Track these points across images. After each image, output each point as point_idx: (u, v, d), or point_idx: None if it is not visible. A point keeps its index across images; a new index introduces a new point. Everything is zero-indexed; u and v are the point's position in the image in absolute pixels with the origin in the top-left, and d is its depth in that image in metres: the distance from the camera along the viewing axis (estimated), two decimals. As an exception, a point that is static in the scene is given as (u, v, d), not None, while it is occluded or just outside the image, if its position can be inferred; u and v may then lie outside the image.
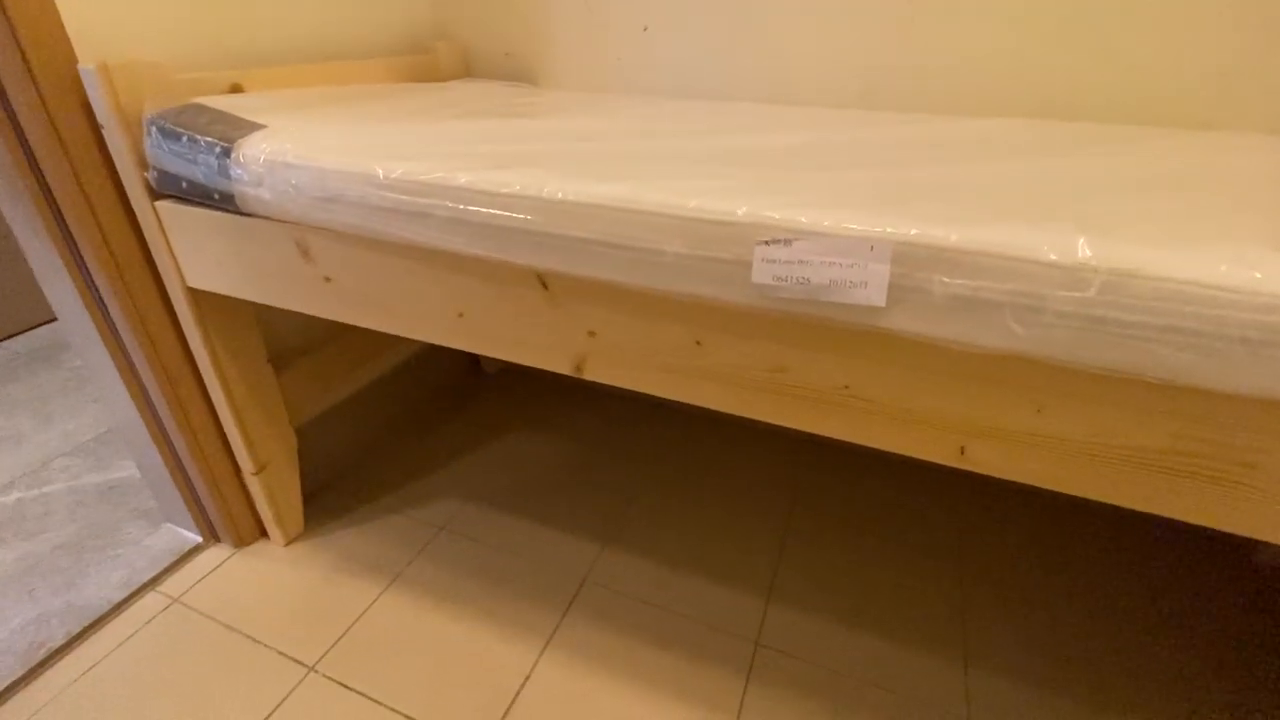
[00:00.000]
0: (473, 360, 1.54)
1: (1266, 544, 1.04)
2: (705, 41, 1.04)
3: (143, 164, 0.73)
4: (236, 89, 0.83)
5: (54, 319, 1.76)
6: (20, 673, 0.83)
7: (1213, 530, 1.09)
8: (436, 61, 1.16)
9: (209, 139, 0.67)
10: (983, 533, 1.09)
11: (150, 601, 0.94)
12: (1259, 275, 0.38)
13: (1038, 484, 0.50)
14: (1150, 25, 0.81)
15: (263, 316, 0.95)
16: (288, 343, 1.05)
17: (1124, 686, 0.85)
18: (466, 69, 1.23)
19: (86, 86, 0.70)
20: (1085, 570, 1.02)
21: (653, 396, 1.44)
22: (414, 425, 1.34)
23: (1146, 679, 0.86)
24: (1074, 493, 0.49)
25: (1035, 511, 1.14)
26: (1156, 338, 0.41)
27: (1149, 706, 0.82)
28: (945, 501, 1.16)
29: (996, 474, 0.51)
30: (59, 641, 0.88)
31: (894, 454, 1.27)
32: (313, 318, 1.08)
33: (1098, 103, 0.86)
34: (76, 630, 0.89)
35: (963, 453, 0.51)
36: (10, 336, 1.69)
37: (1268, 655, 0.89)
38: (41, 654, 0.86)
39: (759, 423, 1.36)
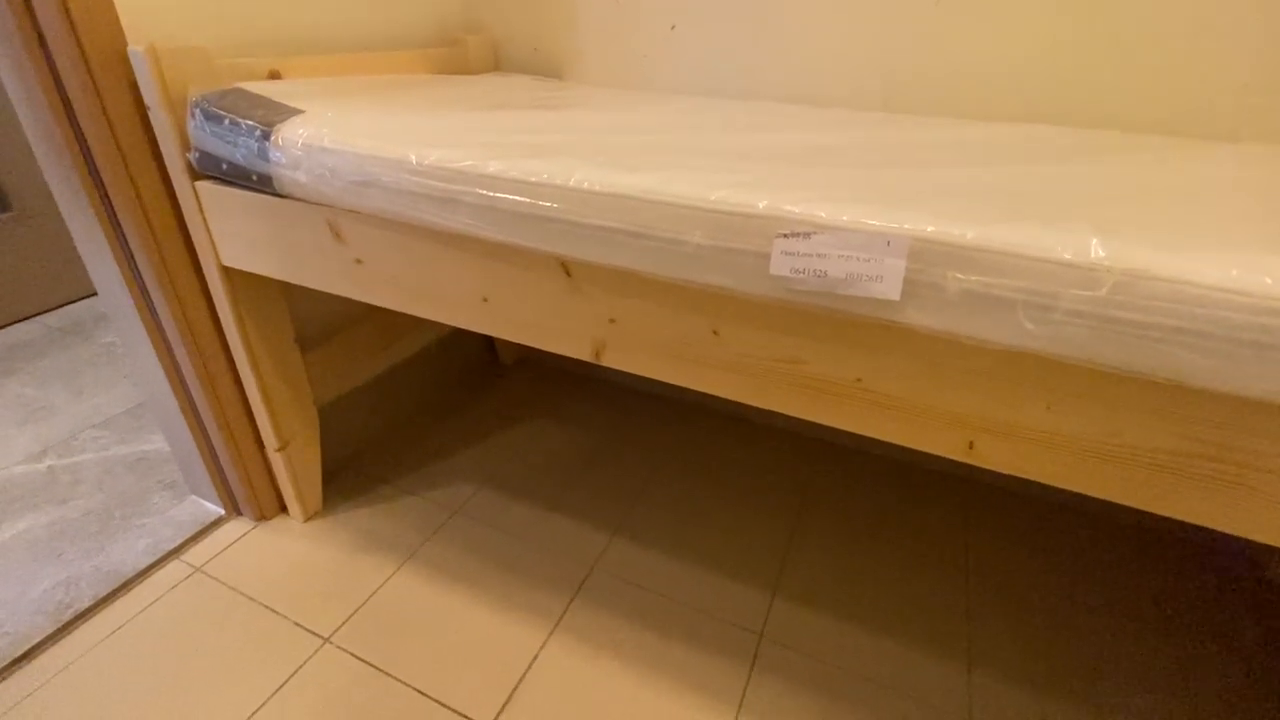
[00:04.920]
0: (491, 351, 1.57)
1: (1280, 561, 1.03)
2: (731, 41, 1.06)
3: (185, 145, 0.76)
4: (275, 75, 0.85)
5: (87, 295, 1.81)
6: (50, 630, 0.87)
7: (1224, 540, 1.08)
8: (466, 54, 1.18)
9: (250, 122, 0.70)
10: (990, 535, 1.09)
11: (174, 569, 0.98)
12: (1269, 280, 0.39)
13: (1045, 481, 0.50)
14: (1175, 36, 0.81)
15: (289, 298, 0.97)
16: (313, 325, 1.08)
17: (1127, 691, 0.85)
18: (495, 63, 1.26)
19: (135, 68, 0.73)
20: (1092, 575, 1.02)
21: (667, 391, 1.45)
22: (432, 411, 1.37)
23: (1149, 685, 0.86)
24: (1081, 491, 0.50)
25: (1043, 515, 1.14)
26: (1167, 338, 0.41)
27: (1151, 712, 0.83)
28: (953, 503, 1.16)
29: (1004, 470, 0.51)
30: (86, 603, 0.91)
31: (903, 456, 1.27)
32: (338, 302, 1.11)
33: (1121, 112, 0.87)
34: (104, 593, 0.92)
35: (971, 447, 0.52)
36: (45, 311, 1.74)
37: (1273, 665, 0.88)
38: (69, 614, 0.89)
39: (772, 420, 1.37)
